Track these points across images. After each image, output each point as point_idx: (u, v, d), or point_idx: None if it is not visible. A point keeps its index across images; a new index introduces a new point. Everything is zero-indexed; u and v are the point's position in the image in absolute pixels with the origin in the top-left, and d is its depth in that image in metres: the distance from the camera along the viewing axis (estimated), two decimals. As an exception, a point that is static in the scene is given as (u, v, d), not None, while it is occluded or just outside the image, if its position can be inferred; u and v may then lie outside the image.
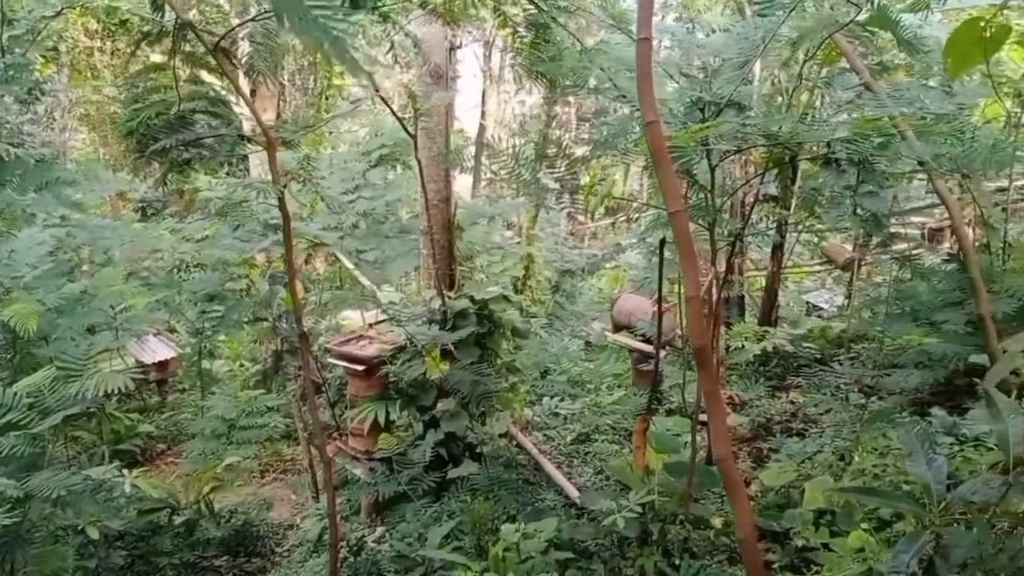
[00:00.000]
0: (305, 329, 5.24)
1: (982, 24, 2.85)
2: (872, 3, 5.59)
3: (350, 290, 10.13)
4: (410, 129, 6.68)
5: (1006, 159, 4.86)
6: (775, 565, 4.55)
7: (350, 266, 10.19)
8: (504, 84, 18.73)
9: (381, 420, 7.31)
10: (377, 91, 6.42)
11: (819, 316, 11.61)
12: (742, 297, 10.66)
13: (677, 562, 4.75)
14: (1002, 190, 8.93)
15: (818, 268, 12.79)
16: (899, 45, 6.22)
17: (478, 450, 7.13)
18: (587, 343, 11.50)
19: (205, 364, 10.29)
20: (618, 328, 9.73)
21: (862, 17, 6.23)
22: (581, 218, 16.37)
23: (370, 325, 8.43)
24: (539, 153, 5.42)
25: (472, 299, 7.48)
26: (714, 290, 5.72)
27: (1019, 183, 9.15)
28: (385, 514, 7.20)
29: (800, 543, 4.50)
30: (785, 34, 6.40)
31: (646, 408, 6.19)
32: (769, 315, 9.95)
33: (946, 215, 12.54)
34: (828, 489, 4.52)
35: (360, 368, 7.44)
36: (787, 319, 10.97)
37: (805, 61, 5.92)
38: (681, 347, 8.98)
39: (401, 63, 8.79)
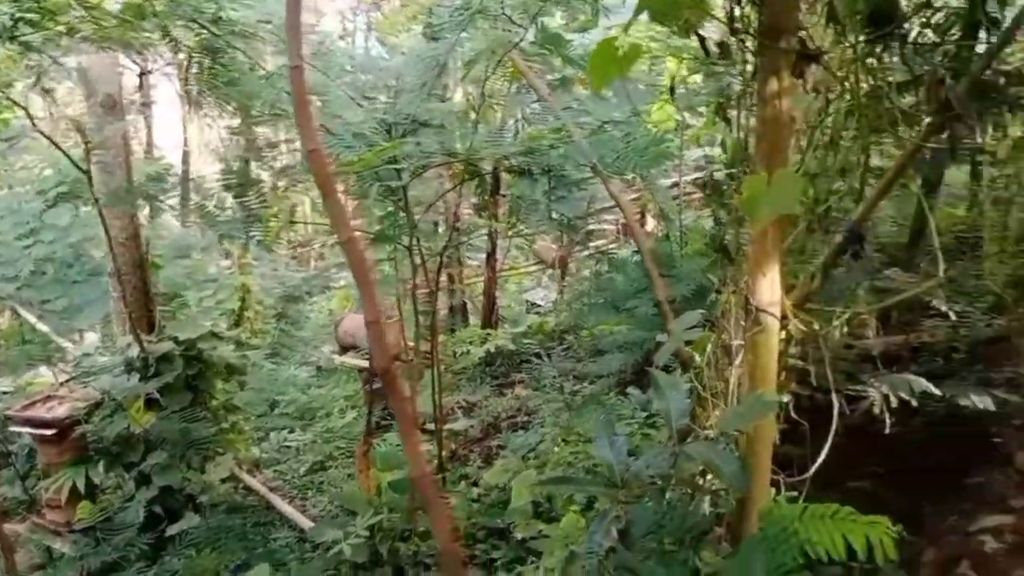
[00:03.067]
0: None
1: (615, 44, 3.19)
2: (537, 25, 6.06)
3: (34, 345, 8.91)
4: (82, 165, 6.06)
5: (659, 158, 5.47)
6: (499, 561, 4.76)
7: (32, 319, 9.00)
8: (207, 109, 17.62)
9: (81, 486, 6.53)
10: (34, 125, 5.72)
11: (537, 313, 12.40)
12: (464, 304, 11.07)
13: (409, 578, 4.78)
14: (676, 184, 10.10)
15: (533, 268, 13.65)
16: (566, 62, 6.80)
17: (199, 500, 6.65)
18: (318, 368, 11.21)
19: None
20: (344, 349, 9.60)
21: (533, 38, 6.73)
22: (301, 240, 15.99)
23: (61, 383, 7.52)
24: (227, 182, 5.17)
25: (177, 340, 6.95)
26: (411, 302, 5.83)
27: (689, 177, 10.46)
28: (99, 588, 6.44)
29: (520, 536, 4.75)
30: (468, 53, 6.73)
31: (365, 430, 6.18)
32: (490, 318, 10.43)
33: (635, 212, 14.05)
34: (530, 485, 4.83)
35: (50, 432, 6.60)
36: (508, 319, 11.59)
37: (485, 79, 6.27)
38: (410, 359, 9.13)
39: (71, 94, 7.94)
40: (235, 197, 4.90)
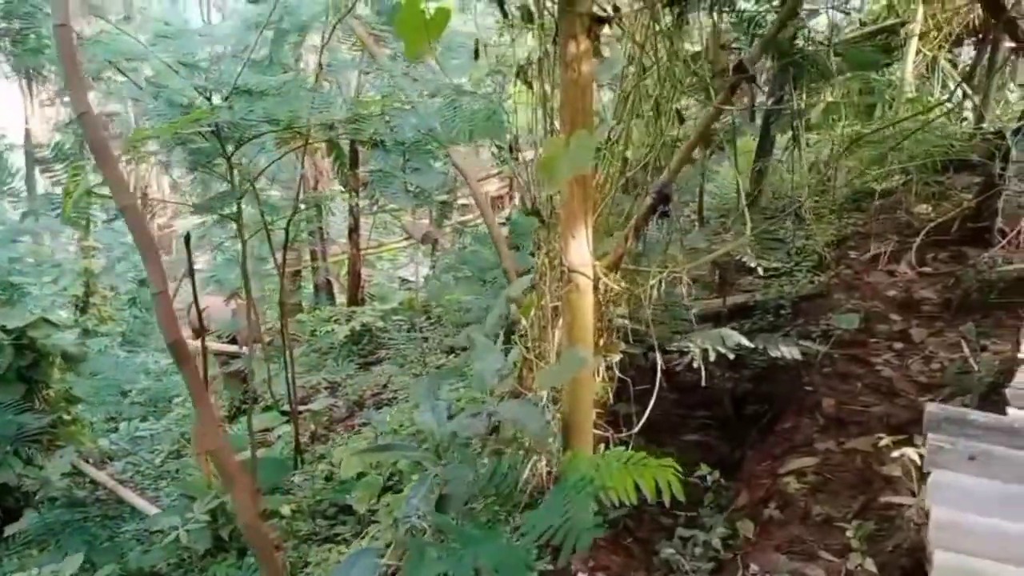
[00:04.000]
0: None
1: (420, 9, 3.14)
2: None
3: None
4: None
5: (493, 126, 5.47)
6: (343, 536, 4.73)
7: None
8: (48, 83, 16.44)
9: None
10: None
11: (409, 289, 12.32)
12: (329, 282, 10.85)
13: (251, 560, 4.67)
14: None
15: (404, 244, 13.52)
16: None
17: (37, 497, 6.27)
18: (177, 354, 10.70)
19: None
20: (197, 333, 9.21)
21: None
22: (160, 221, 15.17)
23: None
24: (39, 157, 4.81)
25: (4, 329, 6.48)
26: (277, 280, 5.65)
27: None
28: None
29: (363, 510, 4.73)
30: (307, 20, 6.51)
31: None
32: (356, 295, 10.27)
33: (503, 184, 14.11)
34: (350, 455, 4.81)
35: None
36: (378, 296, 11.45)
37: (323, 46, 6.11)
38: (269, 341, 8.89)
39: None
40: (42, 172, 4.57)
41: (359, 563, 2.80)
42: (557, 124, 3.52)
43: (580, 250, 3.54)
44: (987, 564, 1.22)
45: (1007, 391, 3.29)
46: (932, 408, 1.62)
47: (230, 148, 4.59)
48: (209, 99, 4.56)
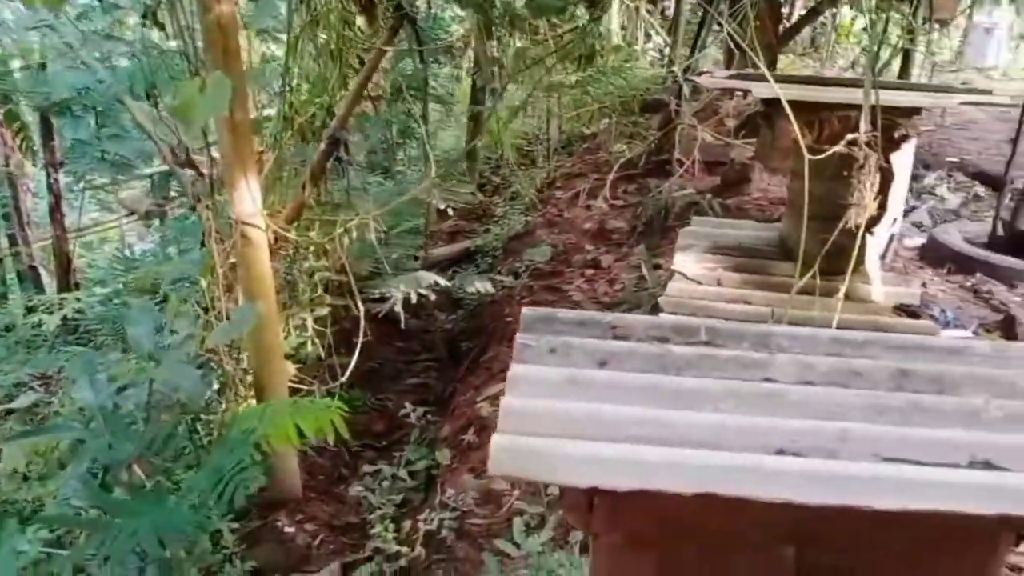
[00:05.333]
0: None
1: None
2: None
3: None
4: None
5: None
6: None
7: None
8: None
9: None
10: None
11: (135, 268, 11.32)
12: (35, 268, 9.70)
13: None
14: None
15: (125, 220, 12.38)
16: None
17: None
18: None
19: None
20: None
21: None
22: None
23: None
24: None
25: None
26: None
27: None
28: None
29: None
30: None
31: None
32: (67, 281, 9.27)
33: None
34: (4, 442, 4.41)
35: None
36: (96, 280, 10.41)
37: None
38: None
39: None
40: None
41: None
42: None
43: (246, 201, 3.42)
44: (546, 441, 1.31)
45: (660, 299, 3.70)
46: (526, 311, 1.72)
47: None
48: None
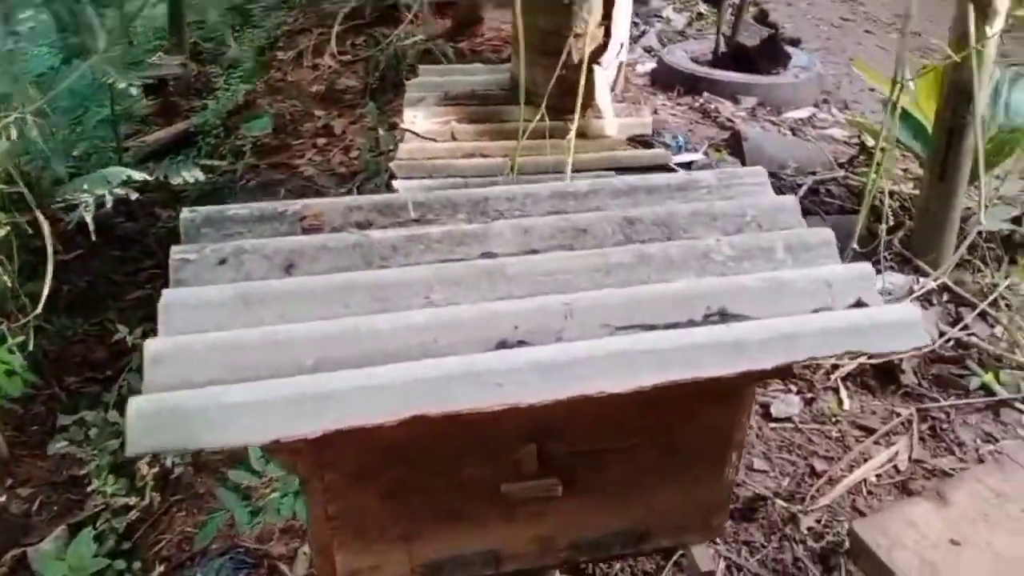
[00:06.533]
0: None
1: None
2: None
3: None
4: None
5: None
6: None
7: None
8: None
9: None
10: None
11: None
12: None
13: None
14: None
15: None
16: None
17: None
18: None
19: None
20: None
21: None
22: None
23: None
24: None
25: None
26: None
27: None
28: None
29: None
30: None
31: None
32: None
33: None
34: None
35: None
36: None
37: None
38: None
39: None
40: None
41: None
42: None
43: None
44: (204, 394, 0.92)
45: (391, 164, 3.34)
46: (185, 213, 1.31)
47: None
48: None
